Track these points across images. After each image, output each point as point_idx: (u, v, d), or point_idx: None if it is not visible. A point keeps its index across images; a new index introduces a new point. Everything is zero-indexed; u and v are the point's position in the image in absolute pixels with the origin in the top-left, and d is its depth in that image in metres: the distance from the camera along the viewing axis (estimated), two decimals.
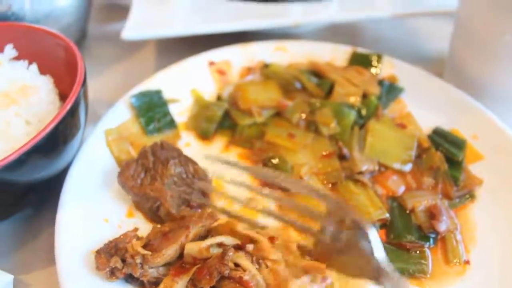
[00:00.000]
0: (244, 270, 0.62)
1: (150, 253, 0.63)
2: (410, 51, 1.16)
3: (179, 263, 0.64)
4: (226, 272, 0.60)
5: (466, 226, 0.76)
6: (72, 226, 0.69)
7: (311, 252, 0.68)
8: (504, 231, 0.74)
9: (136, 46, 1.17)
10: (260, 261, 0.64)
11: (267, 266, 0.64)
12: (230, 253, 0.62)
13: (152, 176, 0.72)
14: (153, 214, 0.73)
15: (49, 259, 0.74)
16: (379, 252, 0.60)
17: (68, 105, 0.67)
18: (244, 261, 0.63)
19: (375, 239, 0.61)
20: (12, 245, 0.76)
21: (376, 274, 0.60)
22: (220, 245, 0.64)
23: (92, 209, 0.72)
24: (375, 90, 0.92)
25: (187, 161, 0.74)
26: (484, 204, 0.78)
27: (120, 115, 0.84)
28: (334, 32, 1.20)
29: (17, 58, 0.84)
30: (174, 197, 0.71)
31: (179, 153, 0.75)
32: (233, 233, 0.67)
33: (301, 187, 0.70)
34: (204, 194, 0.74)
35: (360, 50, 1.00)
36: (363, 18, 1.01)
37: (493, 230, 0.74)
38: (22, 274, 0.72)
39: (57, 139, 0.68)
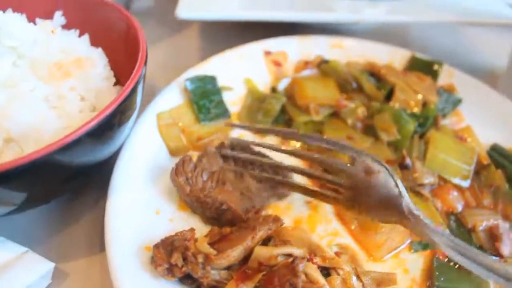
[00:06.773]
0: (312, 283, 0.58)
1: (215, 252, 0.58)
2: (460, 61, 1.12)
3: (241, 267, 0.60)
4: (300, 284, 0.55)
5: None
6: (123, 218, 0.64)
7: (338, 200, 0.67)
8: None
9: (180, 26, 1.10)
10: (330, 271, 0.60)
11: (338, 274, 0.60)
12: (302, 264, 0.57)
13: (220, 180, 0.67)
14: (211, 218, 0.68)
15: (89, 246, 0.69)
16: (406, 194, 0.62)
17: (130, 86, 0.61)
18: (315, 272, 0.58)
19: (400, 182, 0.63)
20: (50, 230, 0.71)
21: (403, 215, 0.61)
22: (288, 254, 0.59)
23: (143, 200, 0.67)
24: (434, 98, 0.88)
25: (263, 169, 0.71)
26: None
27: (172, 98, 0.79)
28: (384, 33, 1.15)
29: (65, 27, 0.77)
30: (244, 201, 0.67)
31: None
32: (301, 241, 0.62)
33: (322, 141, 0.68)
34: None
35: (419, 55, 0.96)
36: (428, 21, 0.96)
37: None
38: (60, 262, 0.66)
39: (114, 122, 0.61)
